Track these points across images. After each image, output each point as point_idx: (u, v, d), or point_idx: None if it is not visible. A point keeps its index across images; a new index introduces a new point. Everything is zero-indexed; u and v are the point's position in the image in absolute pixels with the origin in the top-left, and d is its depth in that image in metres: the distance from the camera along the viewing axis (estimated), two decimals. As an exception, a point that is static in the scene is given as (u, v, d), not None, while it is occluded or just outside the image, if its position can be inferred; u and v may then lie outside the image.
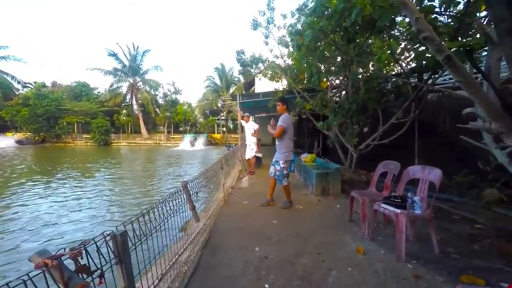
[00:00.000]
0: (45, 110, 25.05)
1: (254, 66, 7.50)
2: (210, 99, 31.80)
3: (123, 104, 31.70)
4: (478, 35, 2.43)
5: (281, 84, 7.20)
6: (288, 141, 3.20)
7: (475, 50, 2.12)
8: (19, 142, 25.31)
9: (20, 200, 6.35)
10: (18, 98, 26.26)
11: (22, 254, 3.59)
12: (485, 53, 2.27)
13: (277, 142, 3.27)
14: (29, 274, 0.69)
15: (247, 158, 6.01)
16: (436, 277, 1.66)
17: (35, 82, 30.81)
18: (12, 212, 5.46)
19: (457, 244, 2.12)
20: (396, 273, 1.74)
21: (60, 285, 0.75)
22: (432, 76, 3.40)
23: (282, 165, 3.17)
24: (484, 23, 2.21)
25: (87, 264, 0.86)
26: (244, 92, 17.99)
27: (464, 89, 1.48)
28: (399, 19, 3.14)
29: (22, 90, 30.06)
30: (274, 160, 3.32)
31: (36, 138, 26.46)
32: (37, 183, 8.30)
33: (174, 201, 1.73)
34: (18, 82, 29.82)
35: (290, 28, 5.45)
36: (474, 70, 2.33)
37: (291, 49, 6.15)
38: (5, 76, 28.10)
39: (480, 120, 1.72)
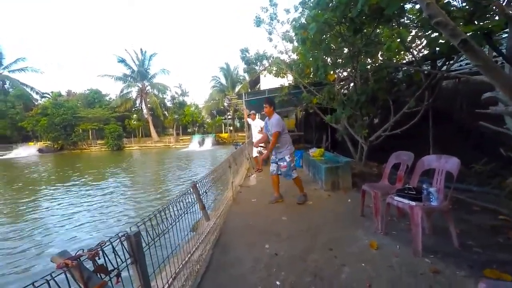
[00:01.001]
0: (62, 119, 26.35)
1: (258, 63, 7.45)
2: (217, 99, 32.06)
3: (133, 109, 32.70)
4: (496, 18, 2.26)
5: (287, 80, 7.10)
6: (286, 136, 3.22)
7: (494, 33, 1.98)
8: (40, 150, 26.83)
9: (47, 203, 6.75)
10: (37, 109, 27.75)
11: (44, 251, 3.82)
12: (505, 35, 2.12)
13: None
14: (52, 274, 0.73)
15: (254, 156, 6.02)
16: (456, 272, 1.59)
17: (52, 92, 32.43)
18: (43, 216, 5.81)
19: (478, 237, 2.02)
20: (413, 267, 1.68)
21: (80, 284, 0.79)
22: (447, 63, 3.23)
23: (288, 160, 3.17)
24: (504, 3, 2.07)
25: (105, 264, 0.89)
26: (249, 90, 17.96)
27: (484, 73, 1.39)
28: (408, 6, 2.99)
29: (41, 100, 31.74)
30: (275, 158, 3.28)
31: (55, 146, 27.92)
32: (57, 188, 8.78)
33: (184, 201, 1.76)
34: (37, 93, 31.58)
35: (294, 22, 5.35)
36: (494, 53, 2.19)
37: (296, 44, 6.03)
38: (24, 87, 29.81)
39: (502, 105, 1.62)
